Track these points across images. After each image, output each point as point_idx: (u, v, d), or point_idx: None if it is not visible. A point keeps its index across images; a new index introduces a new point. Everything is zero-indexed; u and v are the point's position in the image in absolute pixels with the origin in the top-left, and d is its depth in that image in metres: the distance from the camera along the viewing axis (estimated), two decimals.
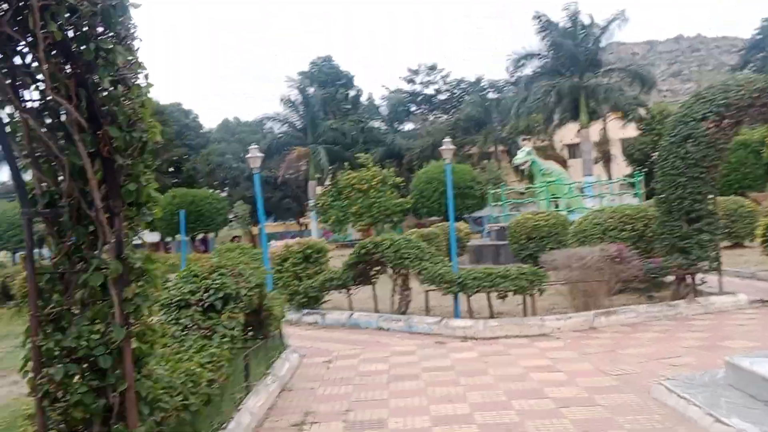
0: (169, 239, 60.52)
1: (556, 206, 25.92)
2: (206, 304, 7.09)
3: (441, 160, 49.72)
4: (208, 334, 6.72)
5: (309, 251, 15.40)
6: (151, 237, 63.38)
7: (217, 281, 7.26)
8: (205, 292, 7.17)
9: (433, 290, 12.83)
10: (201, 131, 64.04)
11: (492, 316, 12.25)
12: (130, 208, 4.78)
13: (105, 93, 4.45)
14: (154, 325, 4.75)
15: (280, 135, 55.22)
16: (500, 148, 57.40)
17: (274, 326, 9.14)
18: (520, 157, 25.32)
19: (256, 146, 11.02)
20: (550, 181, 24.41)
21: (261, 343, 8.92)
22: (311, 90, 56.54)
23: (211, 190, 60.30)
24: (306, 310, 15.20)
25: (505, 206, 26.60)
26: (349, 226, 51.05)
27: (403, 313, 13.39)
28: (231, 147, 60.21)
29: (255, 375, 8.37)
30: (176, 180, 61.53)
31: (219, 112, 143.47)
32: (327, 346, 11.94)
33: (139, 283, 4.61)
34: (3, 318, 18.87)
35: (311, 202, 51.53)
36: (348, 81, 64.11)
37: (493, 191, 29.05)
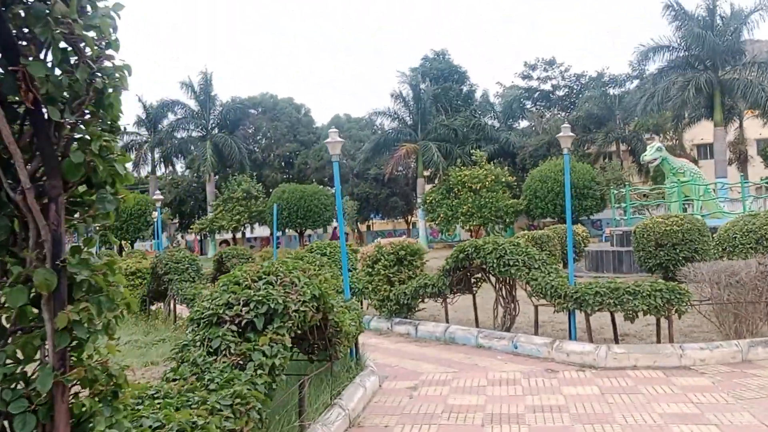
0: (279, 234, 60.85)
1: (684, 209, 22.99)
2: (243, 321, 5.51)
3: (556, 158, 46.98)
4: (240, 362, 5.13)
5: (402, 253, 13.69)
6: (263, 231, 64.12)
7: (261, 292, 5.67)
8: (244, 306, 5.60)
9: (544, 305, 10.80)
10: (313, 126, 63.77)
11: (616, 340, 10.09)
12: (82, 191, 3.19)
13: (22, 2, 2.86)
14: (113, 368, 3.15)
15: (390, 131, 53.85)
16: (622, 147, 53.63)
17: (344, 345, 7.48)
18: (650, 153, 22.54)
19: (335, 130, 9.36)
20: (683, 181, 21.54)
21: (324, 367, 7.30)
22: (423, 85, 54.86)
23: (320, 186, 60.04)
24: (397, 319, 13.51)
25: (629, 208, 23.86)
26: (458, 226, 49.16)
27: (507, 329, 11.43)
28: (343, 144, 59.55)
29: (316, 407, 6.74)
30: (287, 175, 61.70)
31: (330, 108, 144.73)
32: (415, 366, 10.18)
33: (82, 306, 3.01)
34: None
35: (419, 200, 49.94)
36: (461, 76, 61.91)
37: (615, 191, 26.27)
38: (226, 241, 59.94)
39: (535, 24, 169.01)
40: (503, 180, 47.32)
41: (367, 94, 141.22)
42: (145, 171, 64.61)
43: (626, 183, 28.45)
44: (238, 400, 4.55)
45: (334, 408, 7.00)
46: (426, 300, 13.14)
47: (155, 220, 32.95)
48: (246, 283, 5.83)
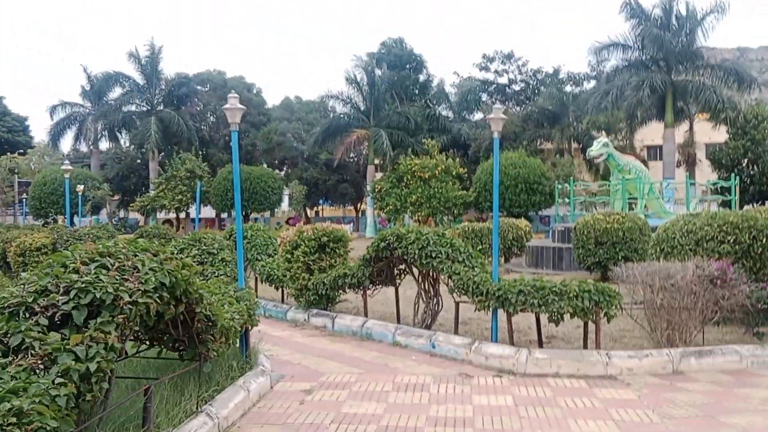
0: (224, 215, 59.22)
1: (631, 208, 22.43)
2: (59, 314, 4.41)
3: (508, 152, 46.44)
4: (42, 365, 4.04)
5: (325, 239, 12.63)
6: (208, 212, 62.32)
7: (87, 277, 4.57)
8: (63, 294, 4.49)
9: (466, 302, 9.89)
10: (264, 108, 62.02)
11: (540, 344, 9.23)
12: None
13: None
14: None
15: (341, 116, 52.61)
16: (574, 145, 53.46)
17: (219, 342, 6.42)
18: (596, 148, 21.88)
19: (235, 95, 8.26)
20: (628, 179, 20.92)
21: (186, 368, 6.24)
22: (378, 71, 53.73)
23: (268, 169, 58.49)
24: (315, 311, 12.50)
25: (573, 204, 23.21)
26: (407, 216, 48.30)
27: (428, 326, 10.51)
28: (292, 126, 57.97)
29: (172, 417, 5.67)
30: None
31: (281, 89, 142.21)
32: (318, 364, 9.18)
33: None
34: None
35: (368, 188, 48.94)
36: (419, 65, 60.87)
37: (560, 186, 25.65)
38: (169, 221, 58.09)
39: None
40: (454, 171, 46.58)
41: (321, 72, 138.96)
42: (87, 145, 62.21)
43: (572, 178, 27.92)
44: (13, 419, 3.46)
45: (200, 416, 5.94)
46: (347, 291, 12.15)
47: (80, 194, 31.20)
48: (74, 265, 4.72)
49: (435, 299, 10.55)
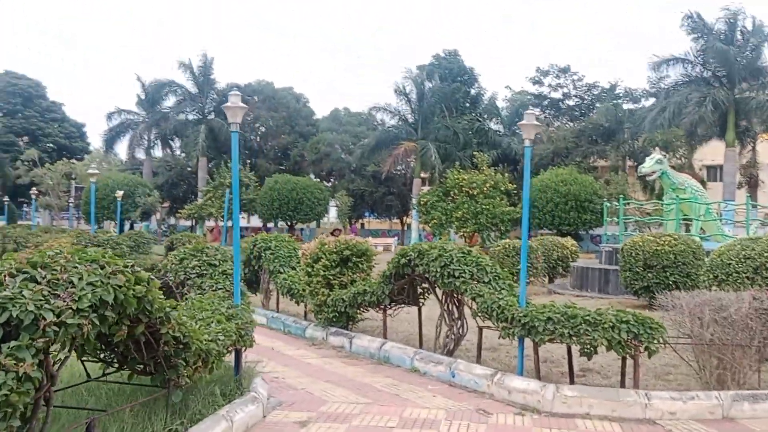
0: (270, 225, 59.14)
1: (687, 229, 21.05)
2: None
3: (558, 168, 45.07)
4: None
5: (347, 253, 11.85)
6: (256, 221, 62.38)
7: (4, 293, 3.87)
8: None
9: (491, 328, 8.97)
10: (312, 118, 61.95)
11: (572, 379, 8.23)
12: None
13: None
14: None
15: (391, 128, 52.02)
16: (629, 162, 51.68)
17: (194, 366, 5.68)
18: (648, 165, 20.59)
19: (238, 93, 7.56)
20: (683, 198, 19.60)
21: (157, 396, 5.51)
22: (428, 84, 53.01)
23: (314, 179, 58.25)
24: (333, 329, 11.72)
25: (623, 223, 21.94)
26: (452, 231, 47.27)
27: (450, 352, 9.60)
28: (339, 137, 57.69)
29: None
30: (282, 166, 59.97)
31: (330, 100, 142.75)
32: (324, 390, 8.36)
33: None
34: None
35: (414, 201, 48.10)
36: (471, 78, 59.94)
37: (608, 204, 24.36)
38: (213, 229, 58.32)
39: (535, 24, 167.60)
40: (502, 187, 45.42)
41: (366, 94, 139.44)
42: (142, 152, 63.12)
43: (623, 196, 26.46)
44: None
45: None
46: (367, 309, 11.36)
47: (118, 200, 31.16)
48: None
49: (459, 323, 9.64)
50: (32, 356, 3.74)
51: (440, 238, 47.10)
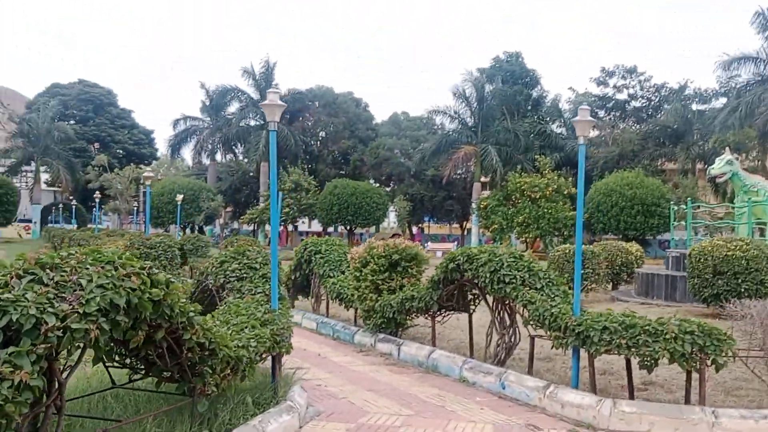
0: (330, 229, 59.35)
1: (762, 234, 19.87)
2: None
3: (624, 171, 43.66)
4: None
5: (396, 257, 11.52)
6: (317, 226, 62.73)
7: (6, 295, 3.66)
8: None
9: (544, 338, 8.48)
10: (372, 123, 61.98)
11: (631, 393, 7.65)
12: None
13: None
14: None
15: (450, 132, 51.47)
16: (699, 165, 49.75)
17: (222, 375, 5.43)
18: (718, 166, 19.57)
19: (276, 91, 7.28)
20: (755, 201, 18.51)
21: (180, 405, 5.26)
22: (488, 86, 52.26)
23: (376, 184, 58.18)
24: (382, 336, 11.39)
25: (691, 227, 20.90)
26: (513, 236, 46.39)
27: (501, 362, 9.12)
28: (399, 142, 57.45)
29: None
30: (342, 171, 60.14)
31: (389, 104, 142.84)
32: (367, 401, 8.01)
33: None
34: None
35: (474, 205, 47.41)
36: (533, 80, 58.90)
37: (675, 208, 23.29)
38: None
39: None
40: (565, 191, 44.34)
41: (424, 98, 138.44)
42: (207, 158, 64.34)
43: (690, 199, 25.24)
44: None
45: None
46: (416, 316, 11.00)
47: (179, 204, 31.57)
48: (4, 278, 3.85)
49: (510, 331, 9.16)
50: (32, 363, 3.51)
51: (501, 243, 46.35)
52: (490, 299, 9.44)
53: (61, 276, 3.94)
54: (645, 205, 40.08)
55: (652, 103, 61.07)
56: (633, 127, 58.20)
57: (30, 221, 65.00)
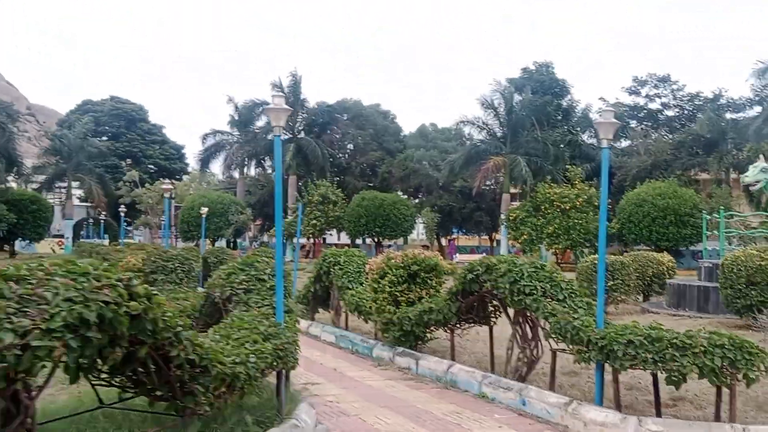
0: (358, 241, 59.11)
1: None
2: None
3: (657, 181, 42.76)
4: None
5: (415, 267, 11.18)
6: (346, 238, 62.54)
7: None
8: None
9: (566, 351, 8.05)
10: (399, 135, 61.83)
11: (658, 411, 7.20)
12: None
13: None
14: None
15: (479, 143, 50.98)
16: (733, 175, 48.51)
17: (219, 393, 5.14)
18: (752, 174, 18.95)
19: (281, 94, 7.01)
20: None
21: (166, 427, 4.98)
22: (517, 96, 51.73)
23: (404, 196, 57.88)
24: (400, 349, 11.04)
25: (723, 237, 20.20)
26: (543, 247, 45.68)
27: (522, 378, 8.71)
28: (428, 154, 57.13)
29: None
30: (371, 183, 59.96)
31: (416, 116, 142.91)
32: (379, 418, 7.66)
33: None
34: None
35: (503, 216, 46.80)
36: (563, 90, 58.26)
37: (708, 217, 22.59)
38: (303, 246, 58.76)
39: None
40: (596, 201, 43.57)
41: (454, 109, 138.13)
42: (234, 171, 64.71)
43: (722, 208, 24.44)
44: None
45: None
46: (435, 329, 10.64)
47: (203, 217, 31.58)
48: None
49: (532, 344, 8.75)
50: None
51: (531, 255, 45.66)
52: (510, 311, 9.06)
53: (26, 289, 3.68)
54: (678, 216, 39.19)
55: (686, 112, 60.05)
56: (666, 137, 57.16)
57: (63, 236, 65.78)
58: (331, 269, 14.00)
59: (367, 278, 13.20)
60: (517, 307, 8.56)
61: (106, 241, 55.98)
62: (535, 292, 8.16)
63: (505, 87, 52.10)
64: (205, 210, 32.34)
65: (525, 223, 44.11)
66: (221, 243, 57.81)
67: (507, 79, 57.16)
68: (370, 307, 11.83)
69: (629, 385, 8.85)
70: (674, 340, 6.68)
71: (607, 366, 7.33)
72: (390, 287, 11.11)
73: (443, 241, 61.34)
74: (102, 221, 61.22)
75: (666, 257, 21.42)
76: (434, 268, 11.39)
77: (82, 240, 60.09)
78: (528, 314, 8.70)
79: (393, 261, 11.32)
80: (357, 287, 13.21)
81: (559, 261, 44.39)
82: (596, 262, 18.52)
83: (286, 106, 6.99)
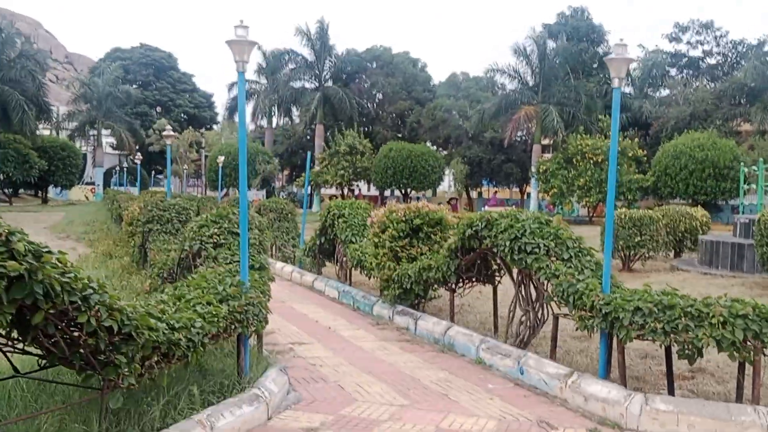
0: (387, 193, 58.37)
1: None
2: None
3: (696, 132, 41.01)
4: None
5: (418, 221, 10.41)
6: (374, 190, 61.86)
7: None
8: None
9: (568, 317, 7.25)
10: (429, 84, 60.25)
11: (671, 388, 6.40)
12: None
13: None
14: None
15: (509, 92, 49.30)
16: None
17: (152, 363, 4.49)
18: None
19: (246, 26, 6.15)
20: None
21: (84, 400, 4.35)
22: (551, 43, 49.76)
23: (433, 147, 56.72)
24: (400, 308, 10.35)
25: (762, 191, 18.96)
26: (574, 201, 44.41)
27: (524, 343, 7.95)
28: (458, 104, 55.53)
29: None
30: (399, 134, 58.84)
31: (447, 64, 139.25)
32: (360, 385, 6.98)
33: None
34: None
35: (533, 168, 45.53)
36: (599, 37, 55.99)
37: (745, 169, 21.28)
38: (334, 197, 58.27)
39: None
40: (630, 153, 42.05)
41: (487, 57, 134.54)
42: (265, 120, 64.05)
43: (762, 159, 23.01)
44: None
45: None
46: (435, 287, 9.92)
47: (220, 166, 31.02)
48: None
49: (536, 307, 7.95)
50: None
51: (561, 208, 44.54)
52: (514, 271, 8.25)
53: None
54: (717, 168, 37.56)
55: (729, 60, 57.32)
56: (707, 86, 54.77)
57: (94, 184, 66.25)
58: (335, 222, 13.30)
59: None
60: (517, 266, 7.75)
61: (136, 190, 56.10)
62: (537, 250, 7.33)
63: (539, 33, 50.13)
64: (221, 159, 31.82)
65: (555, 176, 42.88)
66: (249, 193, 57.57)
67: (543, 25, 55.15)
68: (371, 263, 11.13)
69: (643, 352, 8.09)
70: (688, 308, 5.84)
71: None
72: (391, 242, 10.37)
73: (473, 193, 60.30)
74: (126, 168, 61.19)
75: (700, 211, 20.26)
76: (439, 222, 10.60)
77: (112, 188, 60.36)
78: (532, 274, 7.89)
79: (395, 214, 10.55)
80: (360, 241, 12.50)
81: (591, 215, 43.12)
82: (623, 216, 17.63)
83: (251, 39, 6.15)
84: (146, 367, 4.53)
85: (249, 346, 6.25)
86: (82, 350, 4.13)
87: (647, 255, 17.36)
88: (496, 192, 61.76)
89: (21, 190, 56.80)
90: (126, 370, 4.32)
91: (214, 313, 5.34)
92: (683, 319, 5.78)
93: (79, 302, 3.88)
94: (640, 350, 8.10)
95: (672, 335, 5.83)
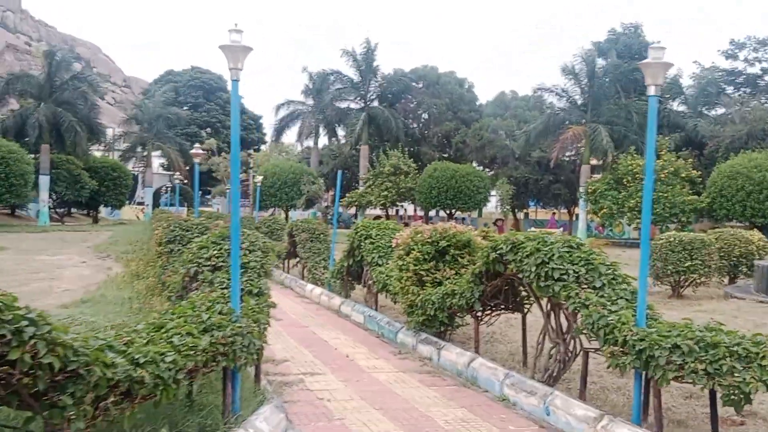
0: (431, 213, 57.64)
1: None
2: None
3: (753, 152, 39.36)
4: None
5: (444, 244, 9.78)
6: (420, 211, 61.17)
7: None
8: None
9: (598, 353, 6.51)
10: (475, 104, 59.55)
11: None
12: None
13: None
14: None
15: (558, 111, 48.26)
16: None
17: (108, 404, 3.98)
18: None
19: (240, 30, 5.64)
20: None
21: None
22: (600, 61, 48.61)
23: (479, 167, 55.87)
24: (424, 336, 9.69)
25: None
26: (624, 222, 43.00)
27: (553, 378, 7.22)
28: (505, 123, 54.69)
29: None
30: (445, 154, 58.19)
31: (495, 84, 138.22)
32: (363, 425, 6.36)
33: None
34: None
35: (582, 189, 44.30)
36: None
37: None
38: (378, 217, 57.83)
39: None
40: (684, 174, 40.52)
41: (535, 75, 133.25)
42: (311, 141, 64.22)
43: None
44: None
45: None
46: (458, 315, 9.26)
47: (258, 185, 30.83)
48: None
49: (567, 339, 7.22)
50: None
51: (611, 230, 43.18)
52: (543, 299, 7.55)
53: None
54: None
55: None
56: (765, 104, 52.73)
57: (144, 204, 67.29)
58: (362, 243, 12.74)
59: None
60: (544, 294, 7.05)
61: (184, 210, 56.66)
62: (566, 277, 6.63)
63: (588, 51, 49.04)
64: (260, 179, 31.67)
65: (605, 197, 41.57)
66: (295, 213, 57.57)
67: (592, 43, 54.04)
68: (396, 287, 10.51)
69: (687, 392, 7.25)
70: (735, 348, 5.08)
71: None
72: (415, 265, 9.76)
73: (520, 214, 59.11)
74: (171, 189, 61.86)
75: (757, 235, 19.08)
76: (467, 244, 9.95)
77: (161, 208, 61.13)
78: (561, 303, 7.18)
79: (420, 236, 9.94)
80: (386, 264, 11.90)
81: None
82: (672, 239, 16.64)
83: (247, 45, 5.68)
84: (101, 408, 4.01)
85: (239, 381, 5.70)
86: (15, 391, 3.62)
87: (699, 281, 16.32)
88: (554, 213, 60.22)
89: (73, 210, 57.88)
90: (72, 413, 3.80)
91: (191, 345, 4.81)
92: (728, 359, 5.02)
93: (9, 336, 3.38)
94: (684, 390, 7.29)
95: (715, 378, 5.07)
